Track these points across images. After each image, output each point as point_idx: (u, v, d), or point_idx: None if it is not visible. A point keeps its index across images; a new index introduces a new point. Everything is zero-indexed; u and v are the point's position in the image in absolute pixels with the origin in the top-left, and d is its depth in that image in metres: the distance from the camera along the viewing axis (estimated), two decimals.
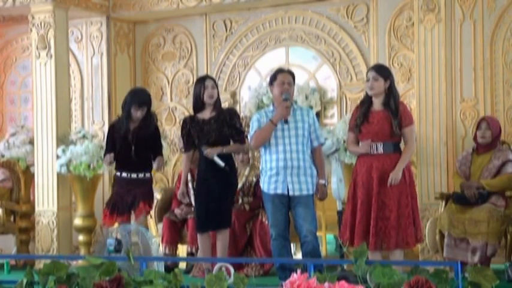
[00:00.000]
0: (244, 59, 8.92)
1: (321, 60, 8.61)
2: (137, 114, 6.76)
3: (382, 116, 6.04)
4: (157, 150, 6.90)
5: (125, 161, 6.82)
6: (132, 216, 6.88)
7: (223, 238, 6.45)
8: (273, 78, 6.27)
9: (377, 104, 6.10)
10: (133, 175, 6.81)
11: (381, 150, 6.02)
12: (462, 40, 7.32)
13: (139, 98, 6.85)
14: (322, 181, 6.17)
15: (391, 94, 6.08)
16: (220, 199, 6.36)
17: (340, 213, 7.10)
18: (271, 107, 6.34)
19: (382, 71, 6.16)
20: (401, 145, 6.20)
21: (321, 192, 6.17)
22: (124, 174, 6.83)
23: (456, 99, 7.34)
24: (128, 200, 6.79)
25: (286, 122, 6.13)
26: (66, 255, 7.80)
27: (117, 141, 6.85)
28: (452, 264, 4.90)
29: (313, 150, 6.21)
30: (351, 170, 6.89)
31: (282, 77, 6.23)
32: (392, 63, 8.05)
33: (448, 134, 7.28)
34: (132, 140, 6.78)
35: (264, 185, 6.23)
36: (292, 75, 6.31)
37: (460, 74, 7.32)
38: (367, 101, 6.17)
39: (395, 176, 5.94)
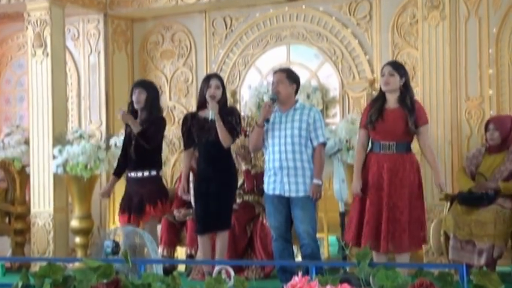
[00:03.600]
0: (245, 57, 8.91)
1: (323, 58, 8.60)
2: (135, 95, 6.66)
3: (398, 115, 5.99)
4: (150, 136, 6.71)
5: (129, 159, 6.76)
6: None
7: (222, 240, 6.42)
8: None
9: (391, 101, 6.06)
10: (139, 174, 6.71)
11: (393, 149, 5.99)
12: (467, 37, 7.31)
13: (136, 82, 6.91)
14: (315, 181, 6.11)
15: (406, 92, 6.04)
16: (219, 200, 6.34)
17: (342, 215, 7.08)
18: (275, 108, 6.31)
19: (398, 67, 6.14)
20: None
21: (314, 192, 6.10)
22: (132, 174, 6.75)
23: (461, 97, 7.32)
24: (136, 201, 6.70)
25: (267, 121, 6.13)
26: (63, 258, 7.79)
27: (124, 140, 6.88)
28: (458, 266, 4.88)
29: (314, 149, 6.18)
30: (353, 171, 6.87)
31: (272, 77, 6.28)
32: None
33: (453, 133, 7.26)
34: (133, 135, 6.70)
35: (265, 185, 6.24)
36: (287, 71, 6.29)
37: (465, 72, 7.31)
38: (380, 98, 6.13)
39: (441, 182, 6.08)
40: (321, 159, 6.19)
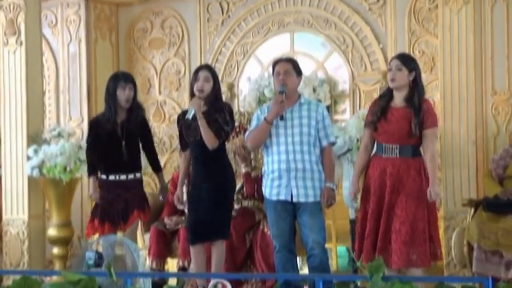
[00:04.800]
0: (244, 46, 8.90)
1: (331, 47, 8.59)
2: (125, 92, 6.67)
3: (403, 114, 5.95)
4: (151, 146, 6.88)
5: (113, 160, 6.71)
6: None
7: (218, 250, 6.39)
8: (272, 70, 6.28)
9: (398, 99, 6.02)
10: (123, 176, 6.70)
11: (396, 153, 5.94)
12: (493, 24, 7.30)
13: (123, 74, 6.89)
14: (329, 185, 6.10)
15: (415, 88, 5.98)
16: (214, 207, 6.31)
17: (353, 222, 7.07)
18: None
19: (407, 60, 6.07)
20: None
21: (327, 197, 6.08)
22: (112, 177, 6.72)
23: (487, 92, 7.31)
24: (118, 207, 6.68)
25: (282, 118, 6.08)
26: (39, 270, 7.77)
27: (102, 139, 6.77)
28: (483, 280, 4.88)
29: (322, 151, 6.16)
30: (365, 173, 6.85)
31: (277, 67, 6.21)
32: (413, 51, 8.02)
33: (477, 131, 7.25)
34: (122, 134, 6.67)
35: (265, 190, 6.20)
36: (293, 62, 6.26)
37: (492, 63, 7.30)
38: (387, 95, 6.09)
39: (434, 191, 5.80)
40: (332, 160, 6.20)
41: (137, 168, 6.77)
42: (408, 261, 5.82)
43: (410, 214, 5.83)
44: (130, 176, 6.72)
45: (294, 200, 6.08)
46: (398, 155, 5.93)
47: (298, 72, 6.25)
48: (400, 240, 5.81)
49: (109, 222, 6.70)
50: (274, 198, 6.15)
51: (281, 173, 6.10)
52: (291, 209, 6.11)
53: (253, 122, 6.28)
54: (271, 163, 6.16)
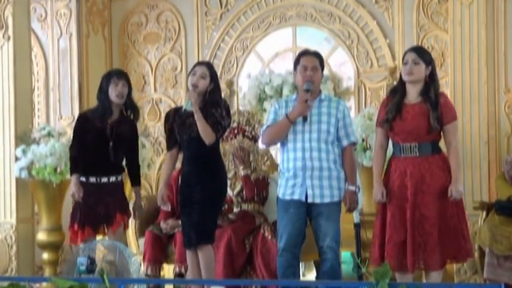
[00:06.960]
0: (243, 41, 8.91)
1: (335, 42, 8.61)
2: (117, 88, 6.63)
3: (419, 111, 5.94)
4: (134, 154, 6.83)
5: (98, 162, 6.69)
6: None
7: (205, 256, 6.36)
8: (296, 62, 6.21)
9: (413, 94, 6.00)
10: (104, 179, 6.69)
11: (416, 152, 5.92)
12: (507, 18, 7.34)
13: (116, 71, 6.92)
14: (351, 187, 6.06)
15: (432, 83, 5.98)
16: (203, 209, 6.31)
17: (357, 226, 7.06)
18: (294, 96, 6.27)
19: (424, 54, 6.05)
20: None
21: (349, 201, 6.06)
22: (92, 179, 6.69)
23: (500, 89, 7.34)
24: (100, 211, 6.68)
25: (305, 119, 6.07)
26: (28, 277, 7.77)
27: (88, 137, 6.73)
28: (495, 287, 4.88)
29: (343, 151, 6.12)
30: (370, 174, 6.85)
31: (304, 61, 6.15)
32: None
33: (490, 131, 7.28)
34: (111, 135, 6.66)
35: (279, 190, 6.18)
36: (320, 57, 6.22)
37: (505, 59, 7.34)
38: (400, 90, 6.08)
39: (456, 188, 5.80)
40: (353, 161, 6.16)
41: (121, 171, 6.78)
42: (443, 261, 5.85)
43: (440, 213, 5.83)
44: (112, 179, 6.71)
45: (309, 200, 6.04)
46: (417, 153, 5.91)
47: (323, 67, 6.23)
48: (433, 242, 5.81)
49: (89, 227, 6.69)
50: (287, 198, 6.10)
51: (296, 171, 6.06)
52: (303, 212, 6.06)
53: (270, 116, 6.24)
54: (287, 161, 6.13)
